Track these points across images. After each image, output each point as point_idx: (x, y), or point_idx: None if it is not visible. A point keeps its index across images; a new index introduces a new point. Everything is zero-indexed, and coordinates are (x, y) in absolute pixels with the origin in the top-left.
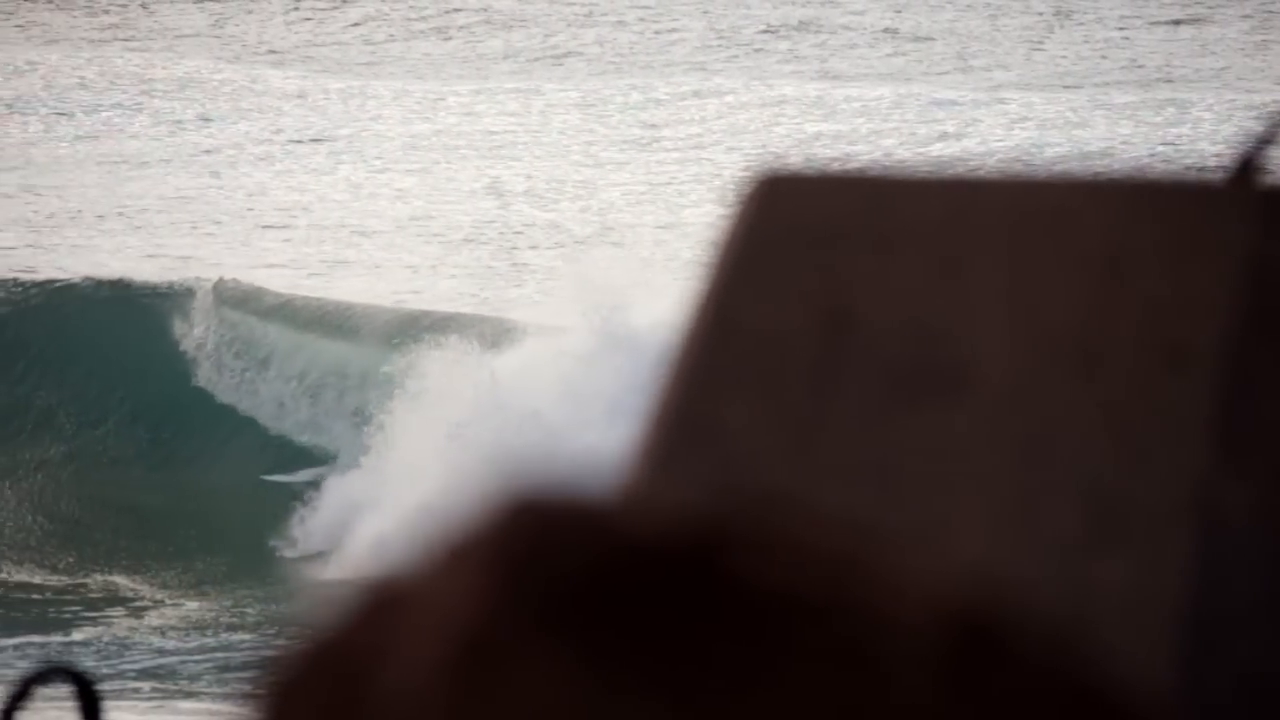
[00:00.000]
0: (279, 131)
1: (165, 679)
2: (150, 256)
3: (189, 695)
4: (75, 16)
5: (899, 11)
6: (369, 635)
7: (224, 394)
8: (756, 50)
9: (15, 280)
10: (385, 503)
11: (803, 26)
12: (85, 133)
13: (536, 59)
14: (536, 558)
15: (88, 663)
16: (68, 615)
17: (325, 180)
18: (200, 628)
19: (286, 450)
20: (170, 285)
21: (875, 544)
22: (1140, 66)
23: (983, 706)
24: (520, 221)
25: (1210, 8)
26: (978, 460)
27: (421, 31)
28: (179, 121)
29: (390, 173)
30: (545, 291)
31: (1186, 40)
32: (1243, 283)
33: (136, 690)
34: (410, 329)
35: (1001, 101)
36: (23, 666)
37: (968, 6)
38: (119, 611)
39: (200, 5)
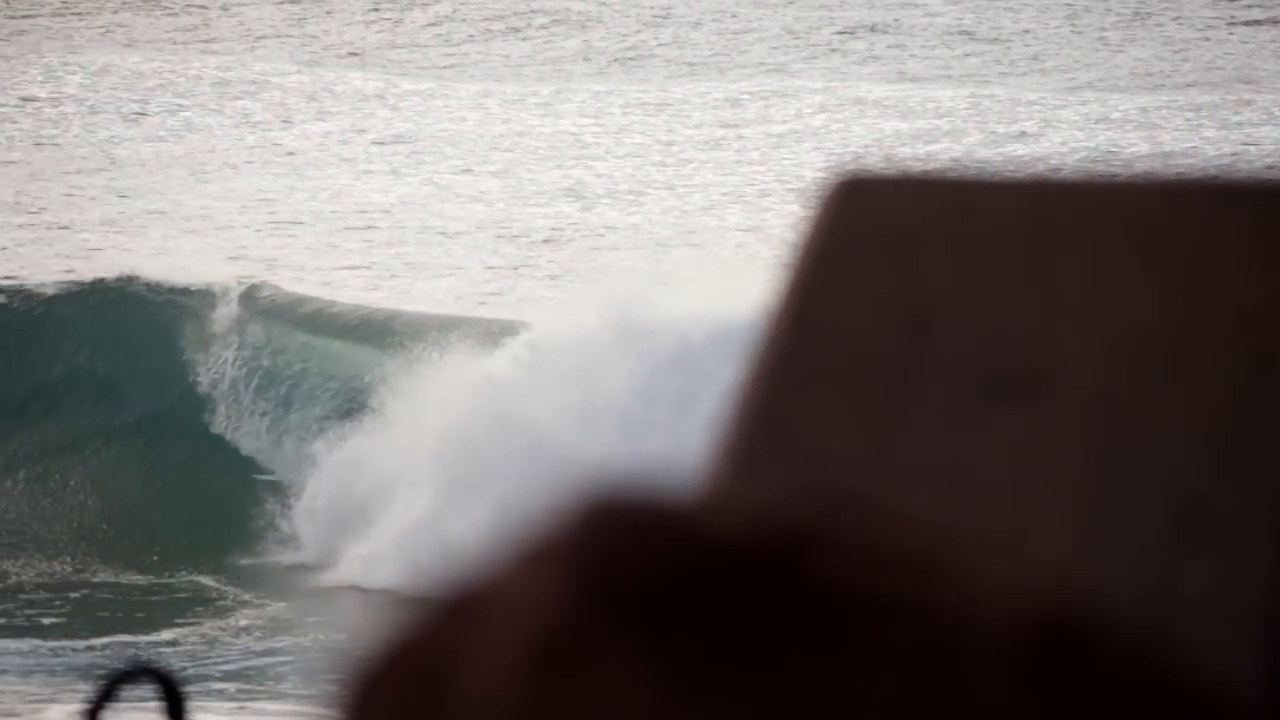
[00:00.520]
0: (361, 132)
1: (251, 680)
2: (233, 259)
3: (274, 697)
4: (155, 18)
5: (976, 12)
6: (449, 638)
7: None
8: (833, 51)
9: (100, 280)
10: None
11: (880, 28)
12: (167, 134)
13: (614, 60)
14: (615, 560)
15: (174, 663)
16: (155, 615)
17: (406, 182)
18: (286, 629)
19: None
20: (246, 288)
21: (956, 547)
22: (1219, 68)
23: (1065, 709)
24: (601, 224)
25: None
26: (1060, 463)
27: (499, 32)
28: (260, 123)
29: (472, 174)
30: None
31: (1267, 41)
32: None
33: (222, 691)
34: (447, 331)
35: (1081, 102)
36: (110, 667)
37: (1045, 7)
38: (206, 612)
39: (279, 6)
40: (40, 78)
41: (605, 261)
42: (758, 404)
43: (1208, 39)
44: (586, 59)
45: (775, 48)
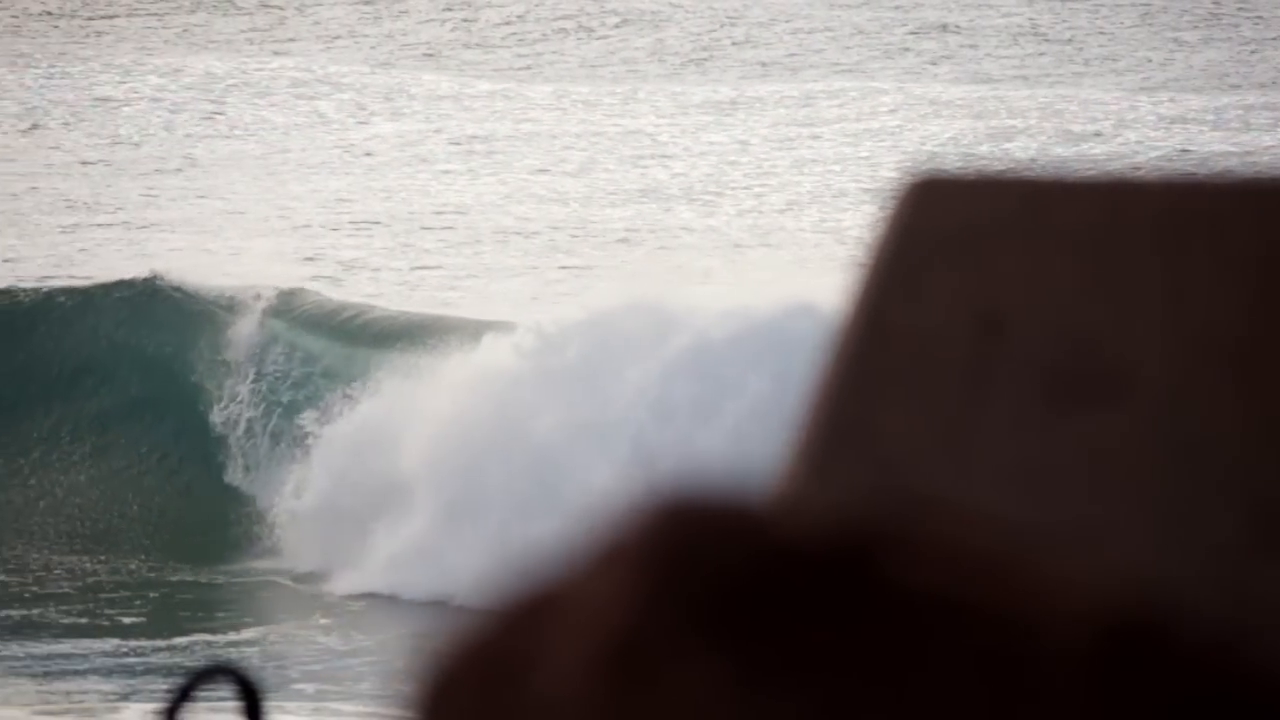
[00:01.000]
0: (437, 132)
1: (329, 680)
2: (309, 260)
3: (351, 698)
4: (230, 19)
5: (1050, 12)
6: (523, 639)
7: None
8: (905, 50)
9: (178, 287)
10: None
11: (952, 27)
12: (244, 134)
13: (687, 60)
14: (689, 562)
15: (253, 663)
16: (235, 615)
17: (483, 182)
18: (367, 629)
19: None
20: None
21: (1030, 548)
22: None
23: (1139, 711)
24: (678, 224)
25: None
26: (1135, 464)
27: (571, 31)
28: (336, 123)
29: (549, 175)
30: (703, 293)
31: None
32: None
33: (300, 691)
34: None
35: (1155, 102)
36: (190, 666)
37: (1119, 7)
38: (286, 611)
39: (353, 6)
40: (117, 78)
41: (680, 262)
42: (831, 405)
43: None
44: (659, 59)
45: (848, 48)
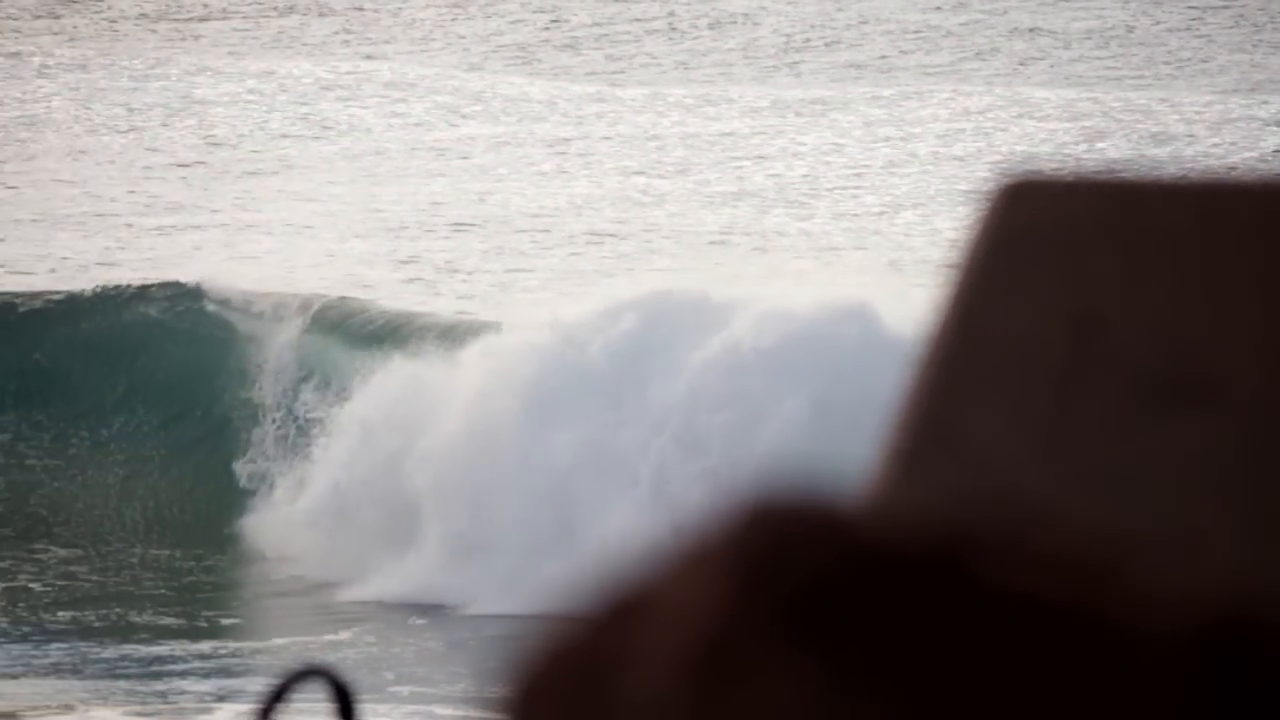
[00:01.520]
0: (530, 134)
1: (423, 682)
2: (403, 263)
3: (444, 700)
4: (323, 21)
5: (1144, 13)
6: (613, 640)
7: None
8: (995, 51)
9: (268, 294)
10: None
11: (1044, 29)
12: (337, 137)
13: (778, 62)
14: (779, 563)
15: (347, 664)
16: (330, 616)
17: (577, 184)
18: (457, 630)
19: None
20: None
21: (1124, 552)
22: None
23: (1239, 715)
24: (773, 227)
25: None
26: (1230, 468)
27: (661, 31)
28: (428, 125)
29: (643, 176)
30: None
31: None
32: None
33: (395, 694)
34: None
35: (1250, 104)
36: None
37: (1211, 8)
38: (380, 613)
39: (444, 8)
40: (212, 81)
41: (774, 264)
42: (923, 406)
43: None
44: (750, 60)
45: (939, 50)
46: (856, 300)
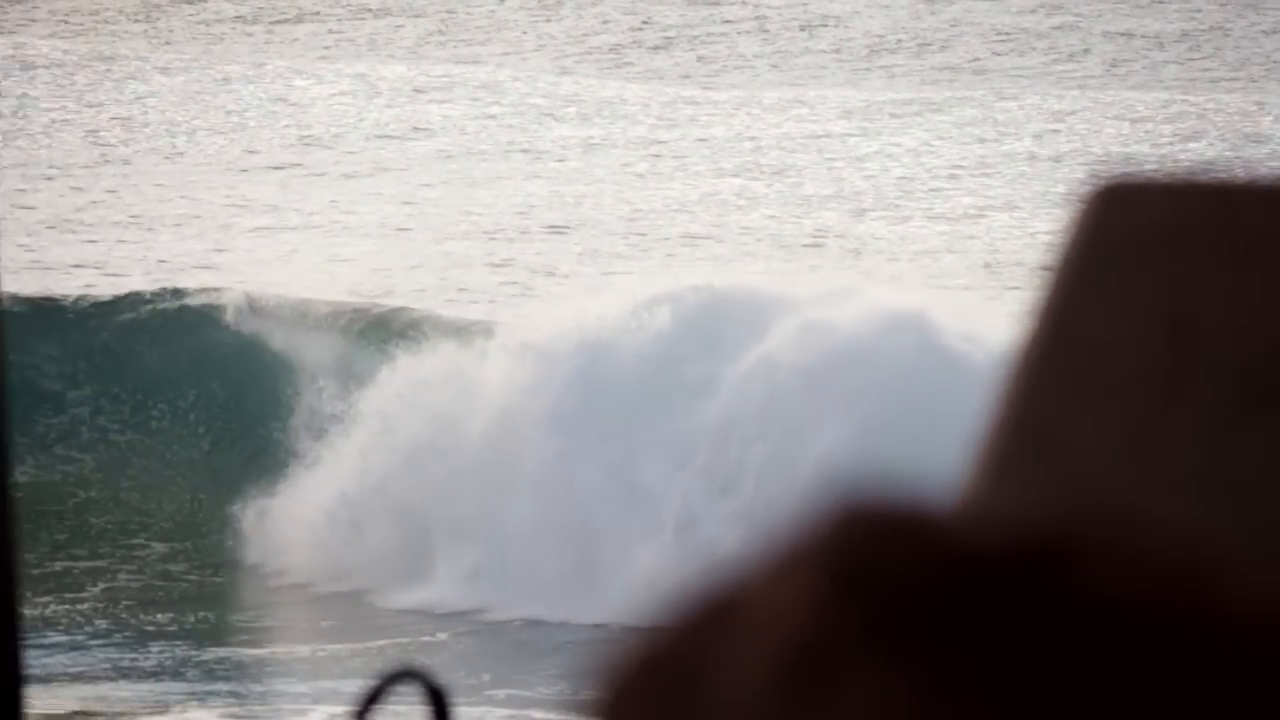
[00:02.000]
0: (623, 136)
1: (518, 686)
2: (496, 266)
3: (538, 704)
4: (415, 22)
5: (1236, 15)
6: (703, 644)
7: None
8: (1086, 53)
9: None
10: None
11: (1134, 32)
12: (430, 139)
13: (867, 65)
14: (870, 568)
15: (443, 667)
16: (426, 619)
17: (671, 187)
18: (552, 634)
19: None
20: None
21: (1221, 556)
22: None
23: None
24: (868, 230)
25: None
26: None
27: (751, 32)
28: (521, 127)
29: (738, 178)
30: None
31: None
32: None
33: (490, 697)
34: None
35: None
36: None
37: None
38: (476, 616)
39: (530, 10)
40: (304, 83)
41: (869, 267)
42: (1016, 411)
43: None
44: (841, 62)
45: (1031, 50)
46: (910, 309)
